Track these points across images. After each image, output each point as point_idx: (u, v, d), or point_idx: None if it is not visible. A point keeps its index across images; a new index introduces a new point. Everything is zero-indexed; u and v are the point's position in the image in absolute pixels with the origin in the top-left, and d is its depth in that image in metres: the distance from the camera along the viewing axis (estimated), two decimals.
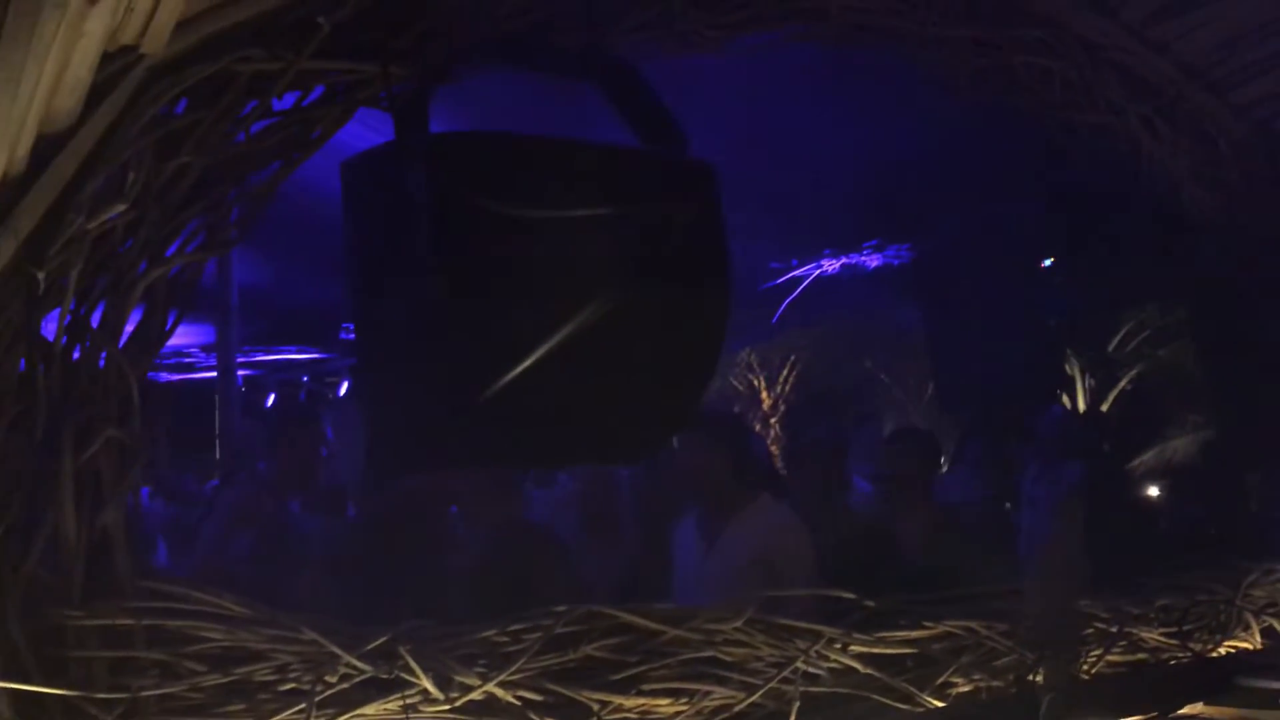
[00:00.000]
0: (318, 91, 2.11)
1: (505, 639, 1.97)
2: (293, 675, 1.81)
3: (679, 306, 2.15)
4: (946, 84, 3.29)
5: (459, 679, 1.88)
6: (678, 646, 2.15)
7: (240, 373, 7.75)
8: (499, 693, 1.90)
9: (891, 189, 5.41)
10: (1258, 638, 2.95)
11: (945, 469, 6.14)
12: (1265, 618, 3.00)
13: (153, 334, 1.92)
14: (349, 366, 8.84)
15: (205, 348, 8.12)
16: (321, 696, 1.78)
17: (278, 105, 2.05)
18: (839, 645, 2.33)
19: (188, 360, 8.57)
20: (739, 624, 2.22)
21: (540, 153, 2.05)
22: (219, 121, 1.93)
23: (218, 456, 7.01)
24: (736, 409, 10.41)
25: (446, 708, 1.85)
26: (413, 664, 1.83)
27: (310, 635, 1.81)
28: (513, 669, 1.92)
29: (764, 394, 10.66)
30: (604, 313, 2.03)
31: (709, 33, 2.66)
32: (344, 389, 9.87)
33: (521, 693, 1.93)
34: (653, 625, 2.12)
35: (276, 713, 1.76)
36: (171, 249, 1.93)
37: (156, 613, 1.76)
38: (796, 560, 3.25)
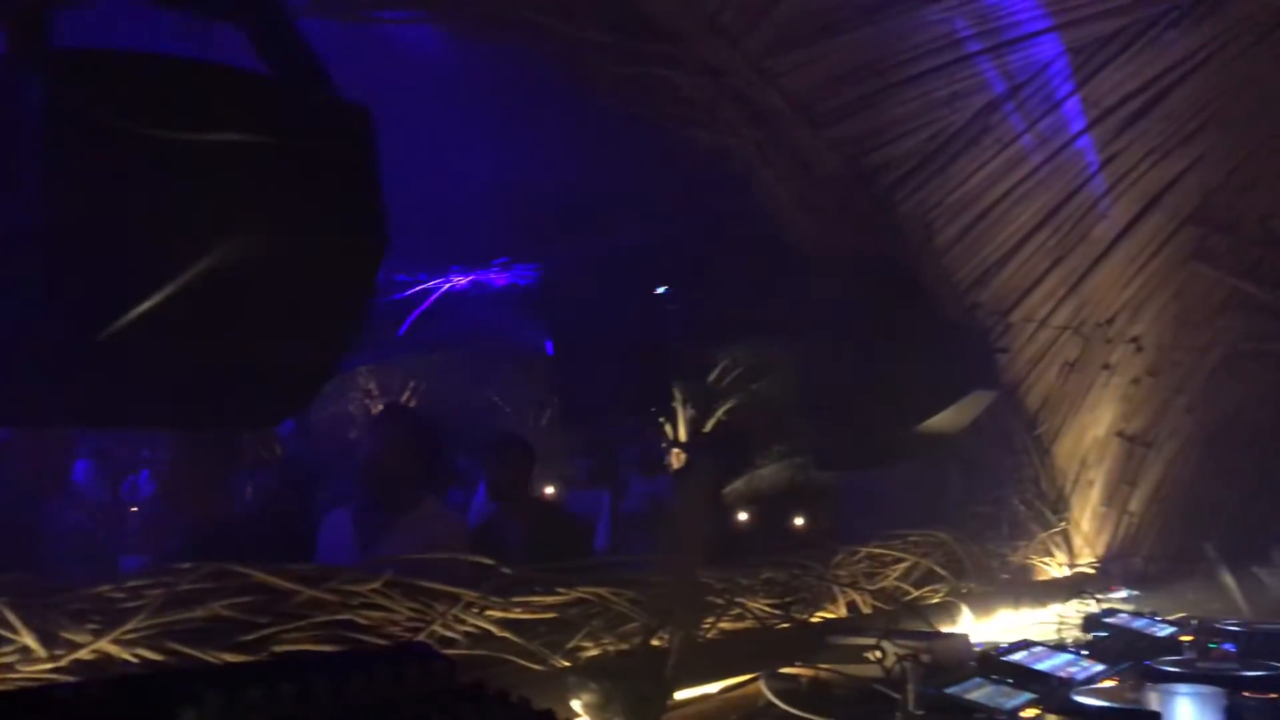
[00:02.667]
0: None
1: (123, 595, 1.79)
2: None
3: (325, 252, 2.04)
4: (584, 90, 3.44)
5: (66, 636, 1.69)
6: (313, 608, 2.05)
7: None
8: (113, 650, 1.73)
9: (523, 207, 5.51)
10: (843, 608, 3.28)
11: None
12: (849, 591, 3.34)
13: None
14: None
15: None
16: None
17: None
18: (476, 609, 2.33)
19: None
20: (377, 586, 2.16)
21: (173, 73, 1.87)
22: None
23: None
24: (351, 435, 10.13)
25: (49, 666, 1.65)
26: (11, 618, 1.62)
27: None
28: (128, 626, 1.75)
29: None
30: (239, 254, 1.88)
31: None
32: None
33: (140, 651, 1.76)
34: (287, 585, 2.02)
35: None
36: None
37: None
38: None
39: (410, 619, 2.23)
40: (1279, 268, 4.58)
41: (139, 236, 1.81)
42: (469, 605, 2.32)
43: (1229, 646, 2.86)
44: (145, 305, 1.79)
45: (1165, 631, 3.05)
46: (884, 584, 3.55)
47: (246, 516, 4.16)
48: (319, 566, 2.13)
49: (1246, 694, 2.23)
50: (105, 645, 1.72)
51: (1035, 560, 4.32)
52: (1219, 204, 4.31)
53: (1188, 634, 2.98)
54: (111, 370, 1.80)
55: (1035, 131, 4.00)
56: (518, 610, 2.41)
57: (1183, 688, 1.89)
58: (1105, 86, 3.86)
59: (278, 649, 1.96)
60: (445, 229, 5.78)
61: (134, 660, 1.75)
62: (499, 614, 2.37)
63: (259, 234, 1.89)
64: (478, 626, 2.33)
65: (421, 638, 2.19)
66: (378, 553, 3.22)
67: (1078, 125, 3.95)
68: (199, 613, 1.87)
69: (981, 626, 3.45)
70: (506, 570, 2.47)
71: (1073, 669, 2.47)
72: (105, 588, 1.79)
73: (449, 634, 2.27)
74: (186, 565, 1.89)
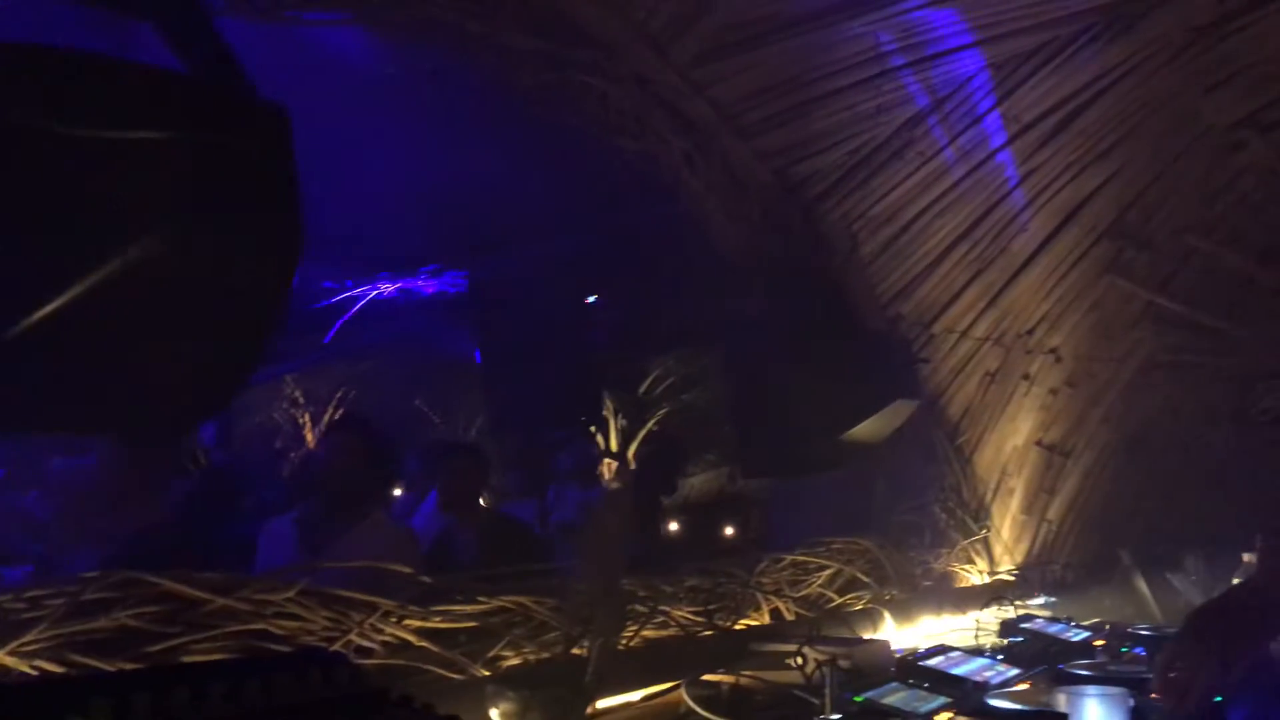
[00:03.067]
0: None
1: (22, 605, 1.74)
2: None
3: (237, 255, 2.00)
4: (510, 95, 3.43)
5: None
6: (225, 618, 2.02)
7: None
8: (10, 662, 1.67)
9: (452, 214, 5.47)
10: (766, 615, 3.30)
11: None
12: (773, 599, 3.36)
13: None
14: None
15: None
16: None
17: None
18: (394, 618, 2.30)
19: None
20: (292, 594, 2.13)
21: (77, 67, 1.82)
22: None
23: None
24: (277, 444, 9.96)
25: None
26: None
27: None
28: (27, 637, 1.70)
29: (309, 431, 10.28)
30: (145, 255, 1.83)
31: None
32: None
33: (40, 663, 1.71)
34: (197, 594, 1.98)
35: None
36: None
37: None
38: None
39: (326, 628, 2.20)
40: (1192, 282, 4.70)
41: (39, 237, 1.76)
42: (387, 614, 2.29)
43: (1140, 650, 2.93)
44: (45, 308, 1.74)
45: (1079, 636, 3.11)
46: (808, 591, 3.58)
47: (167, 526, 4.08)
48: (231, 575, 2.09)
49: (1154, 695, 2.29)
50: (2, 657, 1.66)
51: (957, 567, 4.38)
52: (1134, 219, 4.41)
53: (1101, 639, 3.05)
54: (8, 374, 1.74)
55: (957, 145, 4.07)
56: (437, 619, 2.39)
57: (1090, 689, 1.92)
58: (1024, 102, 3.94)
59: (187, 659, 1.92)
60: (373, 235, 5.73)
61: (33, 673, 1.70)
62: (418, 623, 2.35)
63: (167, 235, 1.85)
64: (396, 636, 2.30)
65: (338, 647, 2.17)
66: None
67: (998, 140, 4.03)
68: (104, 623, 1.83)
69: (903, 633, 3.49)
70: (426, 579, 2.45)
71: (988, 673, 2.51)
72: (4, 597, 1.74)
73: (366, 643, 2.24)
74: (91, 574, 1.84)
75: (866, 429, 3.93)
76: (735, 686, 2.43)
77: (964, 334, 4.47)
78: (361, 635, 2.22)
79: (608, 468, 8.22)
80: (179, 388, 2.04)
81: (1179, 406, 4.99)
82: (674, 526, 7.70)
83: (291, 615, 2.14)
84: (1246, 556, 3.53)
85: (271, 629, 2.09)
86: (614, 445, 9.35)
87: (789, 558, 3.61)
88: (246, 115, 1.96)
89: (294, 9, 2.81)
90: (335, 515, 3.44)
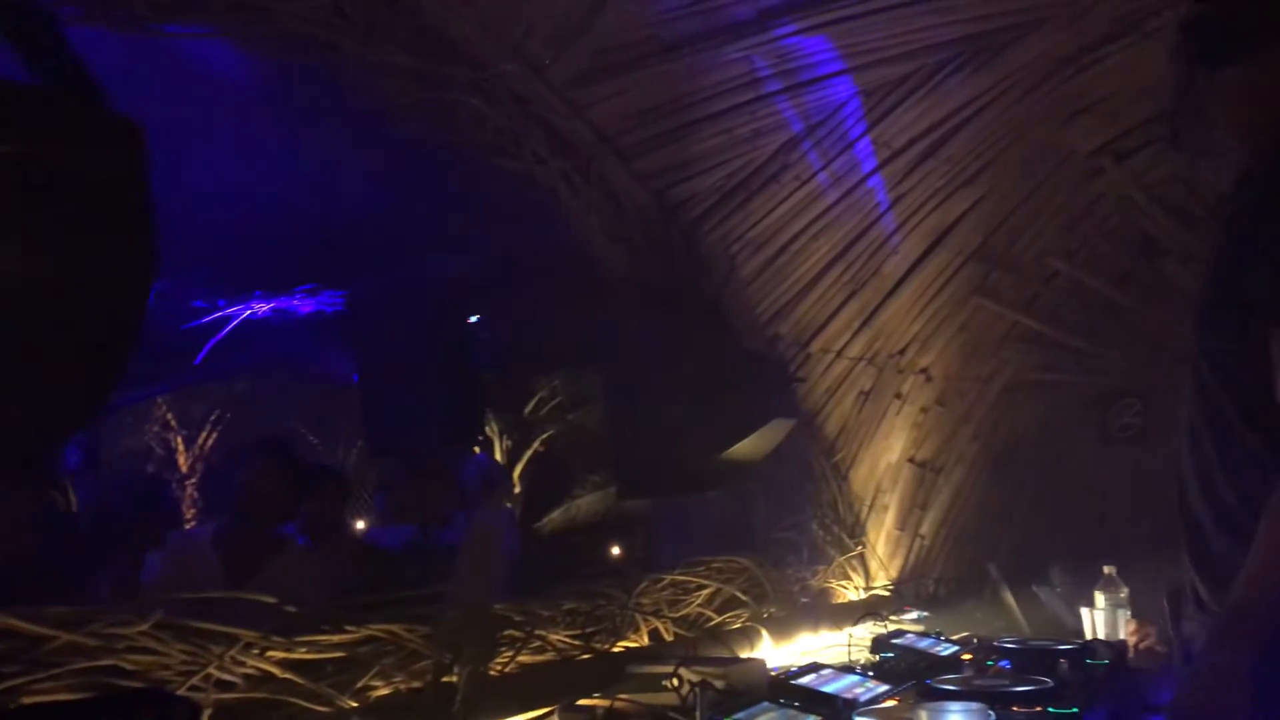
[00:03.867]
0: None
1: None
2: None
3: (87, 273, 1.92)
4: (385, 113, 3.38)
5: None
6: (72, 654, 1.92)
7: None
8: None
9: (328, 232, 5.37)
10: (645, 637, 3.29)
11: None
12: (651, 620, 3.36)
13: None
14: None
15: None
16: None
17: None
18: (257, 650, 2.22)
19: None
20: (145, 628, 2.04)
21: None
22: None
23: None
24: (150, 468, 9.64)
25: None
26: None
27: None
28: None
29: (181, 455, 9.98)
30: None
31: (139, 9, 2.50)
32: None
33: None
34: (40, 630, 1.88)
35: None
36: None
37: None
38: None
39: (184, 662, 2.11)
40: (1055, 303, 4.88)
41: None
42: (248, 646, 2.22)
43: (1005, 664, 3.01)
44: None
45: (948, 650, 3.17)
46: (687, 611, 3.58)
47: (24, 558, 3.90)
48: (79, 609, 1.99)
49: (1016, 708, 2.35)
50: None
51: (833, 584, 4.45)
52: (1000, 242, 4.56)
53: (968, 652, 3.11)
54: None
55: (831, 170, 4.16)
56: (303, 650, 2.31)
57: (952, 705, 1.96)
58: (894, 128, 4.04)
59: (28, 700, 1.82)
60: (248, 254, 5.57)
61: None
62: (281, 654, 2.27)
63: (10, 251, 1.77)
64: (259, 668, 2.23)
65: (196, 682, 2.08)
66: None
67: (870, 165, 4.13)
68: None
69: (781, 650, 3.52)
70: (290, 608, 2.38)
71: (858, 690, 2.54)
72: None
73: (227, 677, 2.16)
74: None
75: (745, 448, 3.96)
76: (610, 711, 2.41)
77: (839, 354, 4.56)
78: (221, 669, 2.13)
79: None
80: (29, 412, 1.95)
81: (1044, 424, 5.17)
82: (561, 548, 7.67)
83: (146, 649, 2.05)
84: (1107, 569, 3.67)
85: (123, 664, 2.00)
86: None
87: (668, 577, 3.61)
88: (97, 129, 1.89)
89: (156, 21, 2.71)
90: (254, 537, 3.44)
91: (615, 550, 7.41)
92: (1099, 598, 3.64)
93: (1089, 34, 3.76)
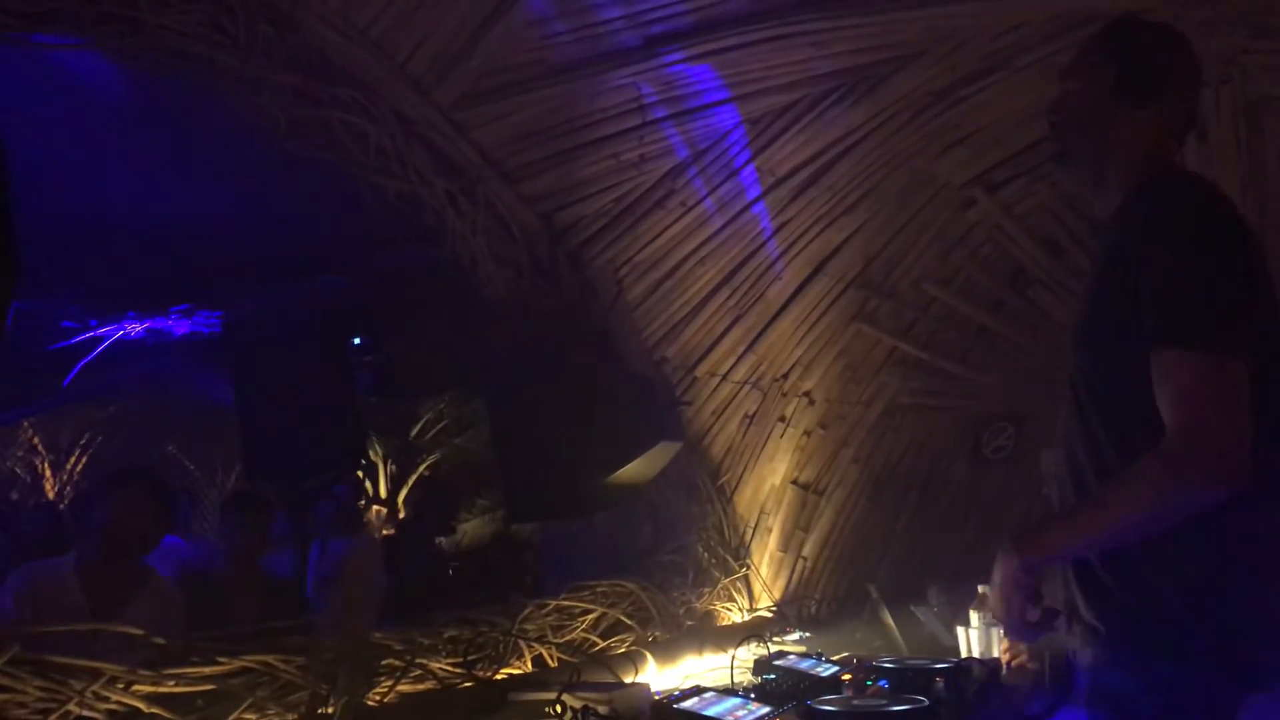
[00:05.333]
0: None
1: None
2: None
3: None
4: (265, 130, 3.31)
5: None
6: None
7: None
8: None
9: (205, 250, 5.22)
10: (529, 663, 3.26)
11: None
12: (535, 646, 3.33)
13: None
14: None
15: None
16: None
17: None
18: (122, 684, 2.14)
19: None
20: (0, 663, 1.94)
21: None
22: None
23: None
24: (14, 495, 9.21)
25: None
26: None
27: None
28: None
29: (48, 480, 9.55)
30: None
31: (6, 18, 2.41)
32: None
33: None
34: None
35: None
36: None
37: None
38: None
39: (40, 700, 2.01)
40: (931, 329, 5.01)
41: None
42: (113, 680, 2.13)
43: (884, 683, 3.06)
44: None
45: (829, 671, 3.22)
46: (572, 636, 3.56)
47: None
48: None
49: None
50: None
51: (718, 606, 4.48)
52: (878, 269, 4.68)
53: (848, 673, 3.16)
54: None
55: (717, 196, 4.22)
56: (170, 684, 2.23)
57: None
58: (778, 157, 4.12)
59: None
60: (120, 272, 5.38)
61: None
62: (148, 689, 2.19)
63: None
64: (123, 704, 2.14)
65: (54, 719, 1.99)
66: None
67: (754, 192, 4.20)
68: None
69: (665, 674, 3.52)
70: (158, 640, 2.29)
71: (740, 712, 2.56)
72: None
73: (89, 714, 2.07)
74: None
75: (632, 470, 3.97)
76: None
77: (724, 377, 4.62)
78: (82, 705, 2.04)
79: (375, 515, 7.99)
80: None
81: (921, 446, 5.30)
82: (447, 573, 7.56)
83: (1, 686, 1.95)
84: (982, 588, 3.76)
85: None
86: (383, 492, 9.12)
87: (553, 603, 3.59)
88: None
89: (23, 30, 2.61)
90: (116, 566, 3.37)
91: (501, 575, 7.33)
92: (974, 617, 3.73)
93: (962, 69, 3.89)
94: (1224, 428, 1.78)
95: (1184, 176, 2.14)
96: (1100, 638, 1.97)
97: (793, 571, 4.92)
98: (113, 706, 2.11)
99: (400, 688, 2.76)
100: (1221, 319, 1.83)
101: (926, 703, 2.63)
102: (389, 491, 9.18)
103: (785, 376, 4.75)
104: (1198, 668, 1.84)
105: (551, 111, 3.84)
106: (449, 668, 2.97)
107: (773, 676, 3.10)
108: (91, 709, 2.07)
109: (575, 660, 3.38)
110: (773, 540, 4.84)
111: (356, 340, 6.11)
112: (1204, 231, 1.94)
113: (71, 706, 2.02)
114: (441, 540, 8.17)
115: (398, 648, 2.86)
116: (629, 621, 3.77)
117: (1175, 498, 1.80)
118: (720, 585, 4.51)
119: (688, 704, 2.57)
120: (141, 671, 2.17)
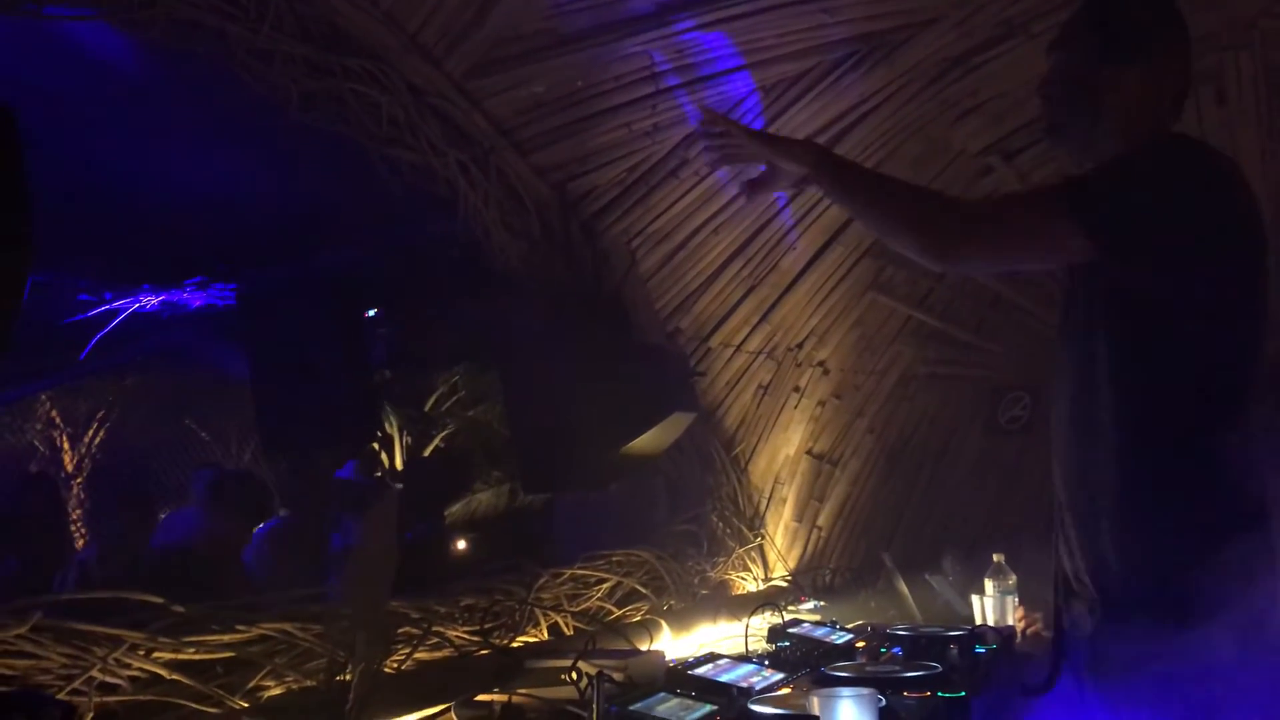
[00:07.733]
0: None
1: None
2: None
3: None
4: (276, 102, 3.31)
5: None
6: None
7: None
8: None
9: (221, 223, 5.23)
10: (545, 631, 3.29)
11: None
12: (551, 614, 3.36)
13: None
14: None
15: None
16: None
17: None
18: (143, 651, 2.16)
19: None
20: (24, 631, 1.97)
21: None
22: None
23: None
24: (34, 468, 9.28)
25: None
26: None
27: None
28: None
29: (66, 453, 9.62)
30: None
31: None
32: None
33: None
34: None
35: None
36: None
37: None
38: None
39: (65, 665, 2.04)
40: (946, 299, 5.00)
41: None
42: (134, 648, 2.16)
43: (897, 650, 3.08)
44: None
45: (843, 639, 3.23)
46: (587, 605, 3.59)
47: None
48: None
49: (906, 693, 2.40)
50: None
51: (733, 575, 4.50)
52: None
53: (862, 640, 3.18)
54: None
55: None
56: (191, 650, 2.26)
57: (844, 691, 2.00)
58: (792, 125, 4.09)
59: None
60: (135, 245, 5.40)
61: None
62: (169, 655, 2.21)
63: None
64: (145, 670, 2.17)
65: (78, 685, 2.02)
66: None
67: None
68: None
69: (680, 642, 3.55)
70: (179, 608, 2.31)
71: (754, 679, 2.58)
72: None
73: (112, 680, 2.10)
74: None
75: (646, 442, 3.97)
76: (507, 705, 2.41)
77: (739, 348, 4.61)
78: (105, 671, 2.07)
79: (391, 486, 8.01)
80: None
81: (935, 416, 5.29)
82: (460, 543, 7.60)
83: (23, 653, 1.98)
84: (997, 556, 3.77)
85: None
86: (399, 464, 9.16)
87: (568, 572, 3.61)
88: None
89: (36, 3, 2.61)
90: None
91: (517, 545, 7.37)
92: (988, 585, 3.74)
93: (976, 35, 3.86)
94: (989, 261, 2.25)
95: (1177, 139, 2.13)
96: (1102, 607, 1.97)
97: (807, 541, 4.93)
98: (134, 673, 2.14)
99: (417, 655, 2.80)
100: (1116, 216, 1.90)
101: (940, 669, 2.65)
102: (404, 463, 9.23)
103: (800, 346, 4.75)
104: (1198, 637, 1.84)
105: (563, 81, 3.82)
106: (465, 635, 3.00)
107: (787, 644, 3.11)
108: (114, 675, 2.10)
109: (591, 628, 3.41)
110: (787, 510, 4.85)
111: (371, 312, 6.13)
112: (1176, 185, 1.94)
113: (94, 672, 2.05)
114: (456, 510, 8.22)
115: (415, 616, 2.88)
116: (644, 590, 3.79)
117: (914, 252, 2.22)
118: (735, 555, 4.53)
119: (702, 670, 2.59)
120: (162, 639, 2.20)
